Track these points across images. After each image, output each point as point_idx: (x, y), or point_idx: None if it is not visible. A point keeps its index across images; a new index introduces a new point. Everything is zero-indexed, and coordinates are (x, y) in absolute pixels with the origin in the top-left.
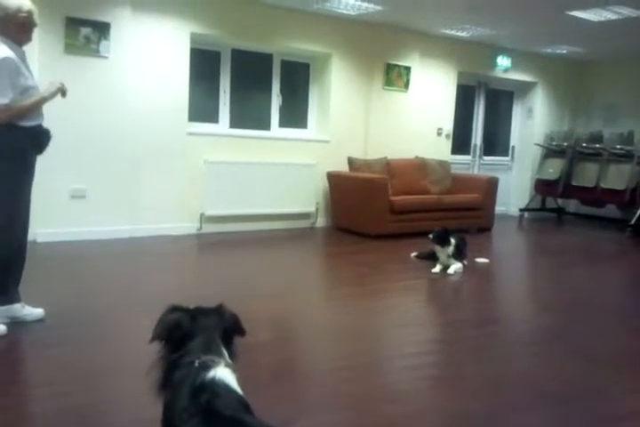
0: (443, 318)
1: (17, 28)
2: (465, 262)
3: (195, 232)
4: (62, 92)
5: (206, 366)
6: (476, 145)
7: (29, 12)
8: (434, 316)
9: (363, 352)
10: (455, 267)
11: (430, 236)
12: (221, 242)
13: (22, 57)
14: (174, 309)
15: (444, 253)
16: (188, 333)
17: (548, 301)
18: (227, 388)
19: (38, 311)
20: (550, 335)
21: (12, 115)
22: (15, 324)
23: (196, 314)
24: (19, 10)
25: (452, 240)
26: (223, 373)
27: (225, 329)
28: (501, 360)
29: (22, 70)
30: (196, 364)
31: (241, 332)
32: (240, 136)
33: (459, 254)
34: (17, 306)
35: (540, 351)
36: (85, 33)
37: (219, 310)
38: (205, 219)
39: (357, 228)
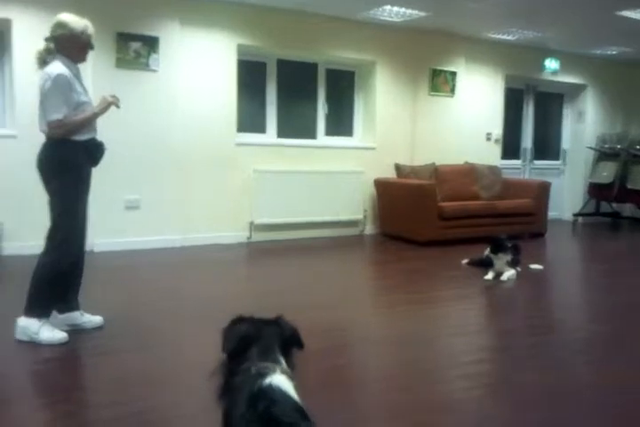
0: (497, 325)
1: (77, 48)
2: (518, 269)
3: (245, 241)
4: (116, 104)
5: (263, 373)
6: (526, 149)
7: (91, 36)
8: (487, 323)
9: (416, 361)
10: (508, 274)
11: (488, 245)
12: (271, 250)
13: (77, 74)
14: (239, 319)
15: (501, 260)
16: (250, 342)
17: (603, 308)
18: (284, 395)
19: (97, 319)
20: (607, 344)
21: (67, 130)
22: (75, 331)
23: (259, 324)
24: (82, 32)
25: (507, 246)
26: (279, 379)
27: (284, 340)
28: (557, 369)
29: (76, 86)
30: (253, 371)
31: (300, 344)
32: (287, 145)
33: (512, 261)
34: (76, 314)
35: (596, 360)
36: (135, 47)
37: (278, 321)
38: (255, 227)
39: (406, 235)
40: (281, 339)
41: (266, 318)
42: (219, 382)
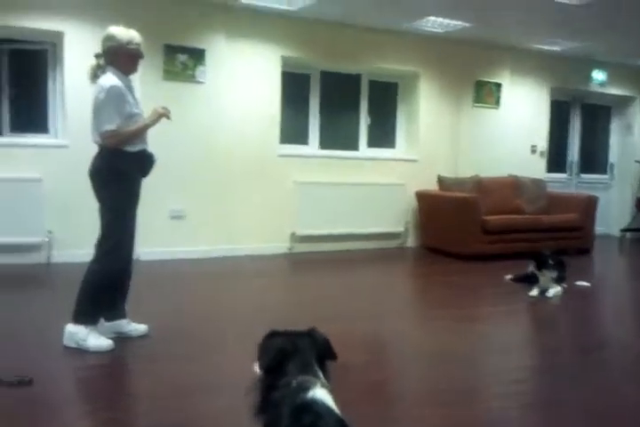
0: (541, 343)
1: (126, 59)
2: (564, 286)
3: (286, 252)
4: (167, 116)
5: (304, 387)
6: (572, 162)
7: (139, 44)
8: (531, 341)
9: (457, 378)
10: (554, 290)
11: (534, 260)
12: (312, 261)
13: (129, 85)
14: (273, 334)
15: (547, 276)
16: (289, 358)
17: None
18: (327, 408)
19: (142, 327)
20: None
21: (119, 140)
22: (121, 339)
23: (293, 338)
24: (129, 42)
25: (552, 262)
26: (322, 393)
27: (318, 352)
28: (605, 389)
29: (128, 98)
30: (294, 384)
31: (332, 356)
32: (329, 157)
33: (558, 278)
34: (123, 322)
35: None
36: (182, 59)
37: (311, 334)
38: (296, 238)
39: (448, 248)
40: (316, 351)
41: (298, 330)
42: (256, 398)
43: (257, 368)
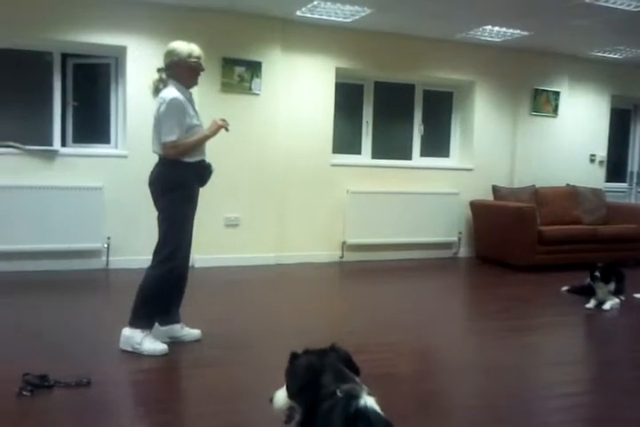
0: (598, 356)
1: (187, 73)
2: (622, 298)
3: (337, 260)
4: (225, 127)
5: (353, 395)
6: (632, 172)
7: (199, 58)
8: (588, 354)
9: (510, 390)
10: (612, 302)
11: (594, 272)
12: (363, 270)
13: (189, 98)
14: (295, 355)
15: (605, 289)
16: (321, 372)
17: None
18: (379, 417)
19: (196, 332)
20: None
21: (179, 151)
22: (175, 343)
23: (318, 354)
24: (189, 55)
25: (609, 274)
26: (371, 401)
27: (345, 365)
28: None
29: (189, 110)
30: (339, 393)
31: (355, 369)
32: (382, 166)
33: (615, 290)
34: (177, 327)
35: None
36: (239, 72)
37: (334, 348)
38: (347, 247)
39: (503, 259)
40: (343, 363)
41: (320, 348)
42: (299, 418)
43: (280, 399)
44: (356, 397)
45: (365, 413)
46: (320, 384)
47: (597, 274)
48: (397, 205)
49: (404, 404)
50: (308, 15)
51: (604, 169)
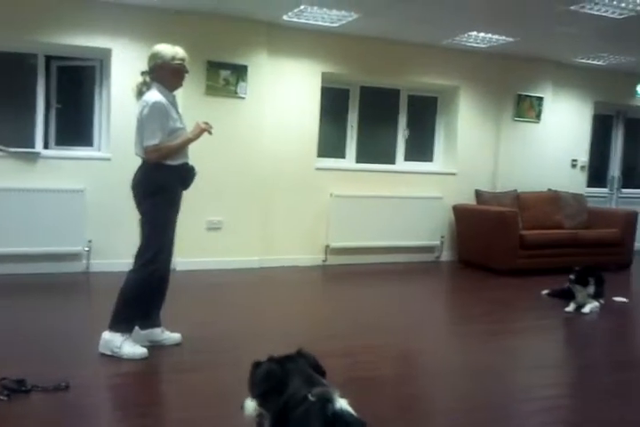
0: (577, 360)
1: (170, 75)
2: (602, 301)
3: (320, 263)
4: (208, 130)
5: (327, 399)
6: (613, 177)
7: (183, 60)
8: (568, 357)
9: (491, 393)
10: (591, 306)
11: (572, 276)
12: (346, 274)
13: (172, 101)
14: (258, 363)
15: (584, 292)
16: (283, 378)
17: None
18: (355, 419)
19: (176, 336)
20: None
21: (162, 155)
22: (155, 347)
23: (282, 360)
24: (173, 57)
25: (588, 278)
26: (345, 403)
27: (312, 368)
28: None
29: (171, 113)
30: (311, 398)
31: (322, 372)
32: (366, 170)
33: (596, 293)
34: (157, 330)
35: None
36: (225, 75)
37: (300, 353)
38: (331, 251)
39: (484, 262)
40: (311, 367)
41: (285, 354)
42: (267, 425)
43: (249, 406)
44: (331, 400)
45: (342, 415)
46: (286, 390)
47: (572, 277)
48: (381, 209)
49: (386, 407)
50: (295, 19)
51: (586, 174)
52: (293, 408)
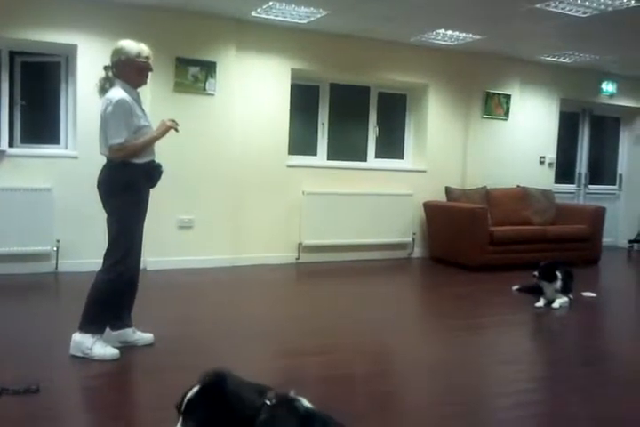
0: (548, 354)
1: (135, 72)
2: (571, 297)
3: (293, 261)
4: (175, 128)
5: (289, 399)
6: (580, 174)
7: (148, 58)
8: (538, 352)
9: (463, 389)
10: (560, 301)
11: (536, 272)
12: (318, 271)
13: (137, 98)
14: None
15: (551, 288)
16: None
17: None
18: (323, 414)
19: (148, 336)
20: None
21: (127, 153)
22: (126, 348)
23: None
24: (138, 55)
25: (559, 274)
26: (306, 401)
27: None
28: (612, 401)
29: (136, 111)
30: (270, 402)
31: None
32: (337, 167)
33: (564, 288)
34: (129, 331)
35: None
36: (193, 72)
37: (218, 374)
38: (303, 248)
39: (455, 259)
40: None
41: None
42: None
43: None
44: (294, 399)
45: (313, 413)
46: (238, 405)
47: (536, 273)
48: (353, 206)
49: (361, 404)
50: (264, 16)
51: (554, 171)
52: (256, 419)
